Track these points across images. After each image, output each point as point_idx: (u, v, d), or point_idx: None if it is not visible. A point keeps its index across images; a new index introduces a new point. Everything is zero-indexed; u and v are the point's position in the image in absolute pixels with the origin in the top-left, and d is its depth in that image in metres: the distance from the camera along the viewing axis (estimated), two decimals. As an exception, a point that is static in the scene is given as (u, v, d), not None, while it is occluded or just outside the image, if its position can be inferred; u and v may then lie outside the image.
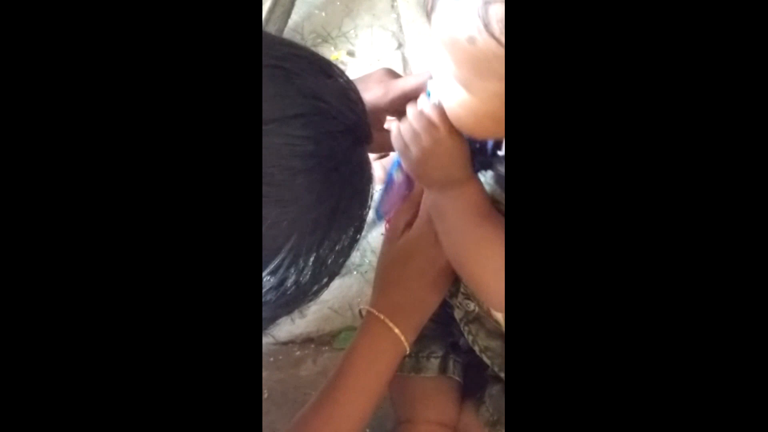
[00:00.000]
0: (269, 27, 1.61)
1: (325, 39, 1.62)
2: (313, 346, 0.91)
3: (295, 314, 1.26)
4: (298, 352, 1.22)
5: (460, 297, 0.89)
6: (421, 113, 0.74)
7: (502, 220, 0.74)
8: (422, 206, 0.86)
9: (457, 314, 0.91)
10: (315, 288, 0.63)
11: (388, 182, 0.82)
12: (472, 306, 0.89)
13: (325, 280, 0.63)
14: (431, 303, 0.86)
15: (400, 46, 1.57)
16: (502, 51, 0.61)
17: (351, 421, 0.81)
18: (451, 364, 1.02)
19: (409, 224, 0.87)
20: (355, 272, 1.25)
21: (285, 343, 1.25)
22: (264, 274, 0.57)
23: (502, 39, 0.61)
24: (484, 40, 0.62)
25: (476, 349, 0.93)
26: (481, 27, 0.61)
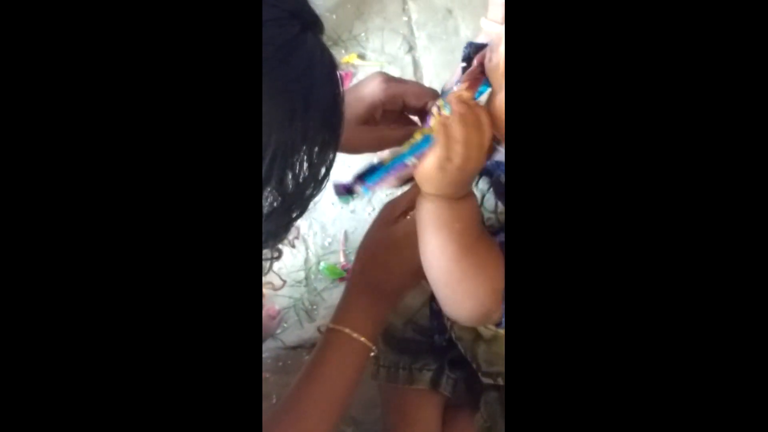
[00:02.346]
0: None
1: (336, 42, 1.62)
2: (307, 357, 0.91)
3: (304, 318, 1.27)
4: (306, 357, 1.21)
5: (454, 330, 0.92)
6: (483, 118, 0.67)
7: (492, 241, 0.74)
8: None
9: (435, 306, 0.92)
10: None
11: (396, 164, 0.78)
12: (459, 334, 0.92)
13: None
14: (405, 292, 0.88)
15: (411, 49, 1.56)
16: None
17: (322, 429, 0.82)
18: (444, 379, 1.03)
19: (405, 212, 0.87)
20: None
21: (294, 348, 1.25)
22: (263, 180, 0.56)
23: None
24: None
25: (453, 335, 0.95)
26: None
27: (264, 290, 0.96)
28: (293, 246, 0.87)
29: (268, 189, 0.57)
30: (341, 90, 0.62)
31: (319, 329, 0.87)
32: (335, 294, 1.29)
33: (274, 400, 1.12)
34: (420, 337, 1.05)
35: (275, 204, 0.59)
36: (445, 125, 0.67)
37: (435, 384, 1.03)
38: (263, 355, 1.23)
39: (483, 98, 0.71)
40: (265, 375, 1.18)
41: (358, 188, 0.74)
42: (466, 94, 0.69)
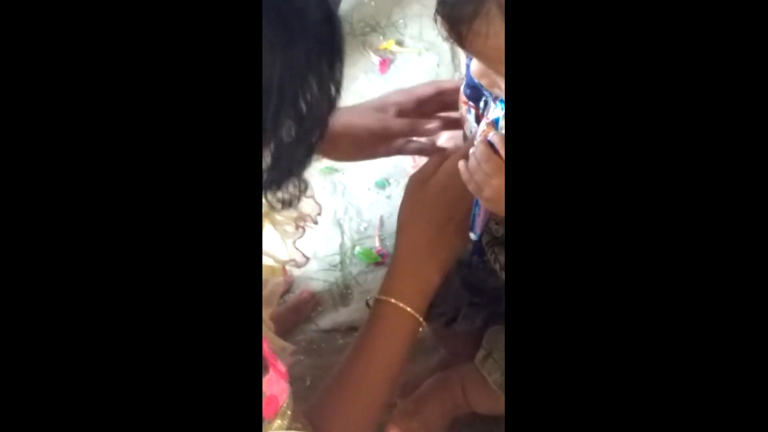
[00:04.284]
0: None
1: (374, 28, 1.62)
2: (356, 334, 0.91)
3: (339, 302, 1.28)
4: (341, 341, 1.23)
5: (491, 223, 0.90)
6: (491, 155, 0.74)
7: None
8: (452, 153, 0.86)
9: (485, 239, 0.93)
10: (327, 101, 0.62)
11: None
12: (501, 231, 0.90)
13: (333, 90, 0.63)
14: (454, 251, 0.86)
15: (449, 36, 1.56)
16: None
17: (374, 406, 0.82)
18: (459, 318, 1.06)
19: (435, 168, 0.86)
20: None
21: (328, 331, 1.26)
22: (274, 111, 0.57)
23: None
24: None
25: (497, 267, 0.94)
26: None
27: (288, 267, 0.96)
28: (316, 222, 0.86)
29: (284, 118, 0.59)
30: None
31: (367, 302, 0.86)
32: (370, 278, 1.30)
33: (308, 383, 1.14)
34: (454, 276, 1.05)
35: (293, 132, 0.60)
36: (465, 177, 0.77)
37: (447, 324, 1.05)
38: (298, 338, 1.24)
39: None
40: (300, 357, 1.19)
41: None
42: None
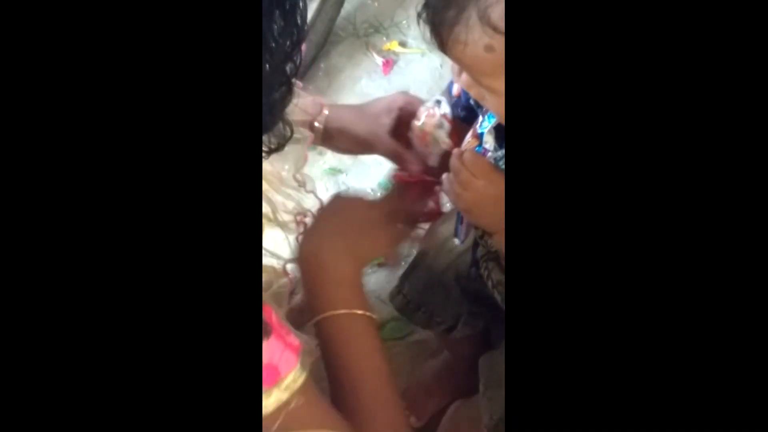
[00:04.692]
0: (321, 17, 1.61)
1: (377, 29, 1.62)
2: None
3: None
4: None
5: (486, 237, 0.92)
6: (461, 167, 0.78)
7: None
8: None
9: (480, 251, 0.94)
10: (294, 30, 0.62)
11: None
12: (494, 246, 0.91)
13: (299, 19, 0.63)
14: (382, 251, 0.86)
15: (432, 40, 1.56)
16: None
17: (393, 400, 0.80)
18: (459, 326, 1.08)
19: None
20: (402, 263, 1.26)
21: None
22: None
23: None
24: (499, 43, 0.65)
25: (489, 284, 0.95)
26: (491, 32, 0.64)
27: (289, 267, 0.96)
28: (305, 187, 0.87)
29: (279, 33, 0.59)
30: None
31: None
32: (373, 280, 1.30)
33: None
34: (453, 286, 1.06)
35: (267, 67, 0.60)
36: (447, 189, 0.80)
37: (449, 331, 1.07)
38: (301, 339, 1.24)
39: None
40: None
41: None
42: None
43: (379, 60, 1.58)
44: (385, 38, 1.59)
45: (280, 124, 0.68)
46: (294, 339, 0.68)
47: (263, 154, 0.68)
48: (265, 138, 0.67)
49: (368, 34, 1.62)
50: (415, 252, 1.07)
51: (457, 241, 0.90)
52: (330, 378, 0.79)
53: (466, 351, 1.12)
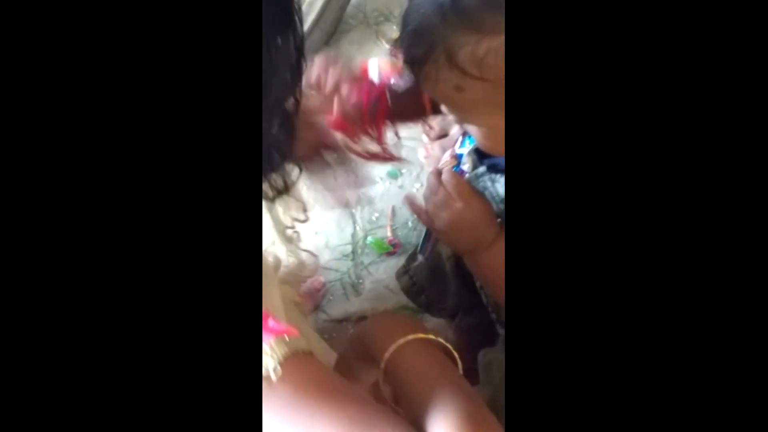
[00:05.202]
0: (332, 5, 1.61)
1: (387, 17, 1.62)
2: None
3: (351, 292, 1.28)
4: (352, 330, 1.23)
5: (482, 294, 0.94)
6: (438, 188, 0.77)
7: None
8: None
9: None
10: (295, 57, 0.62)
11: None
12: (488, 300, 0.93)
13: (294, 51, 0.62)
14: None
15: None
16: (488, 85, 0.64)
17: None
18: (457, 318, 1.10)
19: None
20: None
21: (339, 321, 1.26)
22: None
23: (484, 75, 0.63)
24: (468, 84, 0.65)
25: (484, 299, 0.96)
26: (459, 74, 0.64)
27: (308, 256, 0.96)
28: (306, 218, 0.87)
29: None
30: None
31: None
32: (381, 269, 1.30)
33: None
34: (452, 276, 1.06)
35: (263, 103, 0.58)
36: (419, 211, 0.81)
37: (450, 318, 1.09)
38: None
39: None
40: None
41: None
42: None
43: (389, 48, 1.58)
44: (395, 27, 1.59)
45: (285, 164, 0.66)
46: (282, 324, 0.65)
47: (268, 195, 0.67)
48: (271, 179, 0.66)
49: (378, 22, 1.62)
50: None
51: (420, 257, 0.91)
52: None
53: (471, 340, 1.12)
